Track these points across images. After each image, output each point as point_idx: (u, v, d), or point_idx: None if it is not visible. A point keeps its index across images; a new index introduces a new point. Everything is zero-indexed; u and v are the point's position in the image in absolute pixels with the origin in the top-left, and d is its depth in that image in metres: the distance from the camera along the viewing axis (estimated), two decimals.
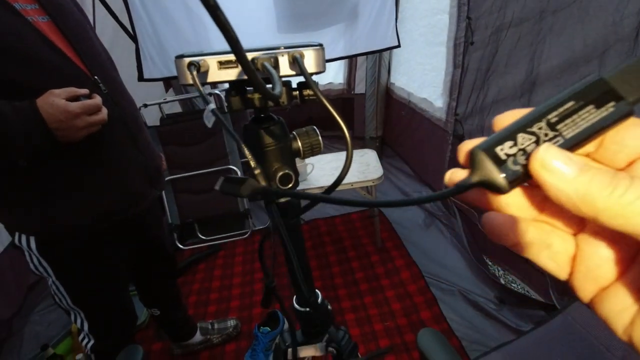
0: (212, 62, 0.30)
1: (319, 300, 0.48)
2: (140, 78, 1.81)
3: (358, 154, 2.00)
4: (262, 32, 1.92)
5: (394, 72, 2.62)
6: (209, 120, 0.30)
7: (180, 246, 2.13)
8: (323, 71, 0.32)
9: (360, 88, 2.75)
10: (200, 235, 2.18)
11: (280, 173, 0.35)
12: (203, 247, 2.13)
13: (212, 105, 0.29)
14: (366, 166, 1.87)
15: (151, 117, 2.06)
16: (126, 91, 0.94)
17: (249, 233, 2.19)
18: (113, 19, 1.66)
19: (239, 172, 2.13)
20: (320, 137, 0.38)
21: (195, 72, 0.28)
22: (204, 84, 0.29)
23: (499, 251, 1.70)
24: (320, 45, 0.32)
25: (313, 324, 0.53)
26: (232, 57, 0.30)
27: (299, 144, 0.38)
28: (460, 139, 1.86)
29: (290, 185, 0.36)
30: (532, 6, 1.30)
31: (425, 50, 2.11)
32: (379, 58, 2.55)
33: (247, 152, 0.30)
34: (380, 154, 2.81)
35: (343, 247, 2.01)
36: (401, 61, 2.49)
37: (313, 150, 0.38)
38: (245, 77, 0.31)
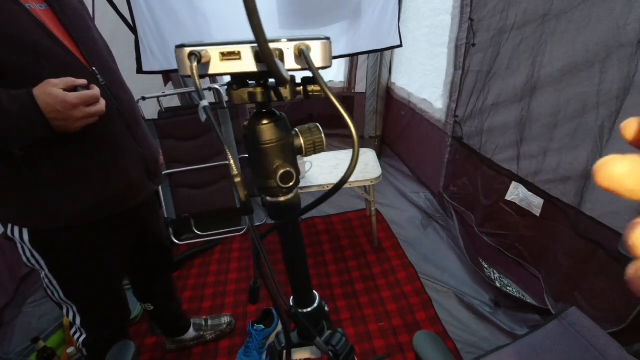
0: (214, 52, 0.29)
1: (316, 302, 0.48)
2: (140, 70, 1.79)
3: None
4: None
5: (395, 72, 2.61)
6: (203, 116, 0.29)
7: (176, 241, 2.12)
8: (330, 66, 0.31)
9: (360, 87, 2.74)
10: (196, 231, 2.17)
11: (282, 171, 0.34)
12: (199, 243, 2.12)
13: (205, 102, 0.28)
14: (365, 165, 1.86)
15: (149, 111, 2.04)
16: (124, 83, 0.93)
17: (245, 229, 2.18)
18: (113, 9, 1.63)
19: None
20: (323, 135, 0.37)
21: (195, 63, 0.27)
22: (204, 76, 0.28)
23: (494, 254, 1.70)
24: (328, 38, 0.30)
25: (305, 327, 0.52)
26: (235, 48, 0.29)
27: (302, 141, 0.37)
28: (459, 141, 1.86)
29: (291, 183, 0.35)
30: (535, 9, 1.29)
31: (427, 51, 2.10)
32: (381, 57, 2.54)
33: (229, 156, 0.28)
34: (379, 154, 2.81)
35: (340, 246, 2.00)
36: (402, 61, 2.48)
37: (315, 148, 0.37)
38: (247, 70, 0.30)
